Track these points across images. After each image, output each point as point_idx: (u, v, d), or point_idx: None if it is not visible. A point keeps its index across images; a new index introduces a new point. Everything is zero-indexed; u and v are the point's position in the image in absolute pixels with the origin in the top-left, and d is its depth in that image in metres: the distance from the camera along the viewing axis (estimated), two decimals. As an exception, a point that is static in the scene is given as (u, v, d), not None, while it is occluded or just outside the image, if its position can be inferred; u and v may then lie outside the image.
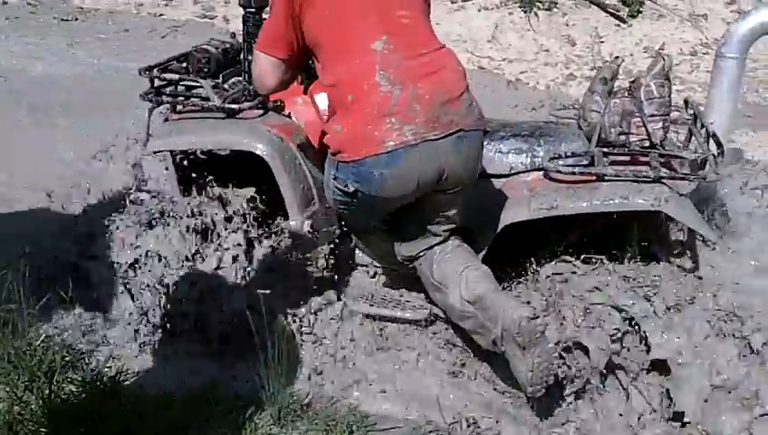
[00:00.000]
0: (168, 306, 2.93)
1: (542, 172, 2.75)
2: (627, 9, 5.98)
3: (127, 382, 2.75)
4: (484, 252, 2.79)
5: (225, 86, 2.99)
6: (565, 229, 2.78)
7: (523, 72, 5.40)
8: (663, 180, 2.58)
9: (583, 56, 5.64)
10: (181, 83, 3.02)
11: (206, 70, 3.00)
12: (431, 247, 2.74)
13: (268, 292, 2.69)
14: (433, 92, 2.44)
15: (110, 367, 2.78)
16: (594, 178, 2.63)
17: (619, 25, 5.89)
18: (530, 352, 2.42)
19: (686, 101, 3.07)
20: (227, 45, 3.09)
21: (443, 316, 2.84)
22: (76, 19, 6.18)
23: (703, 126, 2.77)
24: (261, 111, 2.89)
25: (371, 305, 2.95)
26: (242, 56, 3.01)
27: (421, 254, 2.76)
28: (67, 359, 2.72)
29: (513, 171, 2.84)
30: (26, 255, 3.00)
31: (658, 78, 2.70)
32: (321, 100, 2.74)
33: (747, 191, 3.03)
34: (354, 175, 2.51)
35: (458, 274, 2.63)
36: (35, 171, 3.87)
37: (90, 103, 4.86)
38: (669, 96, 2.72)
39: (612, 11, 5.96)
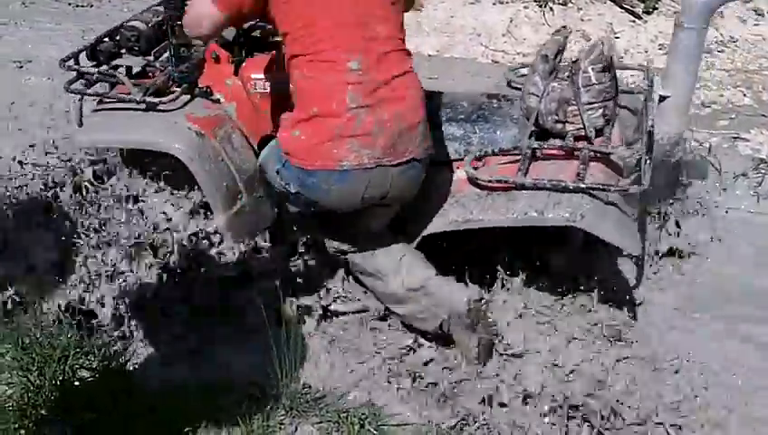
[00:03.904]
0: (180, 295, 2.96)
1: (473, 162, 2.69)
2: (642, 5, 5.93)
3: (139, 370, 2.77)
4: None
5: (157, 64, 2.91)
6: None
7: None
8: (585, 190, 2.49)
9: (598, 52, 5.65)
10: (102, 73, 2.91)
11: (135, 48, 2.92)
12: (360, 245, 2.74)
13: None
14: (395, 120, 2.45)
15: (124, 354, 2.79)
16: (514, 186, 2.57)
17: (634, 21, 5.85)
18: (477, 330, 2.58)
19: (646, 69, 3.00)
20: (159, 19, 2.97)
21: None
22: (91, 6, 6.16)
23: (660, 99, 2.67)
24: (187, 99, 2.81)
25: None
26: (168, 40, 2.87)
27: (352, 249, 2.76)
28: (80, 344, 2.73)
29: (447, 159, 2.78)
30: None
31: (597, 63, 2.59)
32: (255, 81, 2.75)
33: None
34: (300, 180, 2.52)
35: (396, 261, 2.68)
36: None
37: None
38: (611, 81, 2.61)
39: (628, 7, 5.92)
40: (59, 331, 2.75)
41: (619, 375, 2.52)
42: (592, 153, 2.59)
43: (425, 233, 2.71)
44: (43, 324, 2.79)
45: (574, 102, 2.60)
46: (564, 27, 2.93)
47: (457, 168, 2.76)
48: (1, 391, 2.60)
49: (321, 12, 2.42)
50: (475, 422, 2.56)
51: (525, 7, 5.94)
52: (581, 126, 2.62)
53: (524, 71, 2.99)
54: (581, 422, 2.52)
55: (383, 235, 2.74)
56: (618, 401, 2.49)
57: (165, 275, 2.90)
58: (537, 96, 2.66)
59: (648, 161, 2.52)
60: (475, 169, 2.67)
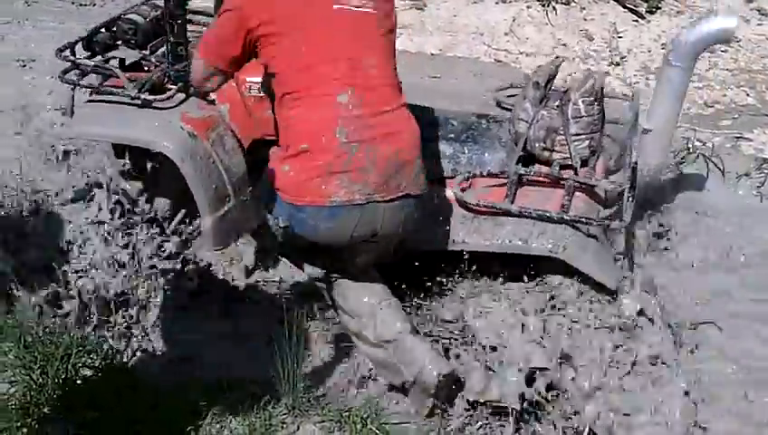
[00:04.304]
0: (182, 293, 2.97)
1: (461, 182, 2.73)
2: (645, 5, 5.92)
3: (142, 368, 2.77)
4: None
5: (153, 58, 2.90)
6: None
7: (540, 66, 5.37)
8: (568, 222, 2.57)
9: (601, 51, 5.62)
10: (98, 65, 2.88)
11: (132, 41, 2.91)
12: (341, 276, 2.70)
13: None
14: (388, 156, 2.42)
15: (126, 352, 2.80)
16: (500, 212, 2.63)
17: (637, 21, 5.84)
18: (436, 399, 2.54)
19: (631, 99, 3.07)
20: (157, 13, 2.94)
21: None
22: (94, 5, 6.15)
23: (643, 131, 2.72)
24: (182, 97, 2.79)
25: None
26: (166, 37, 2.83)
27: (331, 278, 2.72)
28: (83, 344, 2.73)
29: (436, 176, 2.80)
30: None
31: (587, 96, 2.65)
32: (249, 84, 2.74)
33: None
34: (289, 216, 2.50)
35: (374, 306, 2.63)
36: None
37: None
38: (599, 114, 2.68)
39: (631, 6, 5.91)
40: (61, 329, 2.75)
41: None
42: (577, 184, 2.64)
43: (409, 249, 2.70)
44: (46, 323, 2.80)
45: (562, 132, 2.67)
46: (557, 57, 3.04)
47: (445, 186, 2.79)
48: (3, 390, 2.60)
49: (310, 49, 2.40)
50: (478, 422, 2.56)
51: (528, 7, 5.93)
52: (568, 155, 2.68)
53: (513, 91, 3.05)
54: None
55: (367, 273, 2.69)
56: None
57: (168, 274, 2.91)
58: (526, 122, 2.72)
59: (630, 198, 2.61)
60: (463, 190, 2.71)
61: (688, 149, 4.05)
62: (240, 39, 2.45)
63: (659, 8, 5.93)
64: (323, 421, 2.58)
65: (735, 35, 3.21)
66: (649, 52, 5.48)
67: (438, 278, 2.74)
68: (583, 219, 2.58)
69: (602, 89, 2.70)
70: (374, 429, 2.53)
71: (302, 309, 2.81)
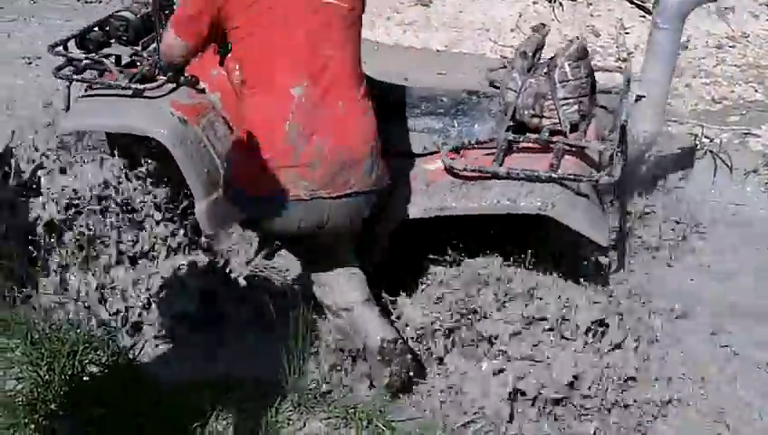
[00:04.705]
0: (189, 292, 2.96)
1: (450, 153, 2.72)
2: (652, 0, 5.92)
3: (148, 366, 2.77)
4: (382, 246, 2.80)
5: (144, 54, 2.95)
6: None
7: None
8: (556, 180, 2.54)
9: (607, 47, 5.60)
10: (90, 60, 2.97)
11: (124, 38, 2.96)
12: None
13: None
14: (336, 151, 2.42)
15: (132, 350, 2.80)
16: (489, 175, 2.61)
17: (644, 16, 5.82)
18: (388, 367, 2.57)
19: (624, 69, 3.05)
20: (148, 9, 3.01)
21: None
22: (99, 2, 6.17)
23: (636, 98, 2.73)
24: (172, 87, 2.84)
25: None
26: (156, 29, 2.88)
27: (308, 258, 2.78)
28: (90, 341, 2.74)
29: (425, 150, 2.81)
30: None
31: (573, 59, 2.63)
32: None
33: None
34: (241, 204, 2.56)
35: (339, 275, 2.67)
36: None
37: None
38: (587, 78, 2.66)
39: (638, 2, 5.90)
40: (69, 326, 2.76)
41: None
42: (566, 146, 2.63)
43: (400, 219, 2.72)
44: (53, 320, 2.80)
45: (550, 97, 2.65)
46: (543, 25, 2.98)
47: (436, 160, 2.78)
48: (11, 386, 2.61)
49: (268, 39, 2.40)
50: (482, 419, 2.56)
51: (534, 2, 5.92)
52: (557, 120, 2.66)
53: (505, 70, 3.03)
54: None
55: (338, 250, 2.70)
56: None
57: (174, 272, 2.91)
58: (515, 91, 2.70)
59: (619, 154, 2.57)
60: (453, 160, 2.69)
61: (696, 145, 4.03)
62: (206, 16, 2.45)
63: (696, 7, 5.90)
64: (329, 418, 2.57)
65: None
66: (656, 48, 5.45)
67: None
68: (572, 176, 2.55)
69: (586, 51, 2.69)
70: (380, 425, 2.53)
71: (308, 305, 2.81)
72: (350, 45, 2.49)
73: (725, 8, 5.86)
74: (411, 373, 2.61)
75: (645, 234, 3.41)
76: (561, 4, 5.86)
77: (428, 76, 4.77)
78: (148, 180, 3.00)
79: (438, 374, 2.66)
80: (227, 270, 3.07)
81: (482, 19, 5.80)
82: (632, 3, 5.91)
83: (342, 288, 2.66)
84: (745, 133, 4.36)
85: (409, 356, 2.61)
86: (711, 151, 3.98)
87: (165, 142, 2.73)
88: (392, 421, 2.56)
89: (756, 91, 4.86)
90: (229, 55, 2.77)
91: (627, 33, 5.65)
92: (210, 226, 2.81)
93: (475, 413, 2.58)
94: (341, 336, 2.70)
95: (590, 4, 5.92)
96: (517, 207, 2.55)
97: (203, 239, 3.05)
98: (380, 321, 2.65)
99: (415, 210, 2.69)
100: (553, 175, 2.53)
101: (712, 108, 4.66)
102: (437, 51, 5.43)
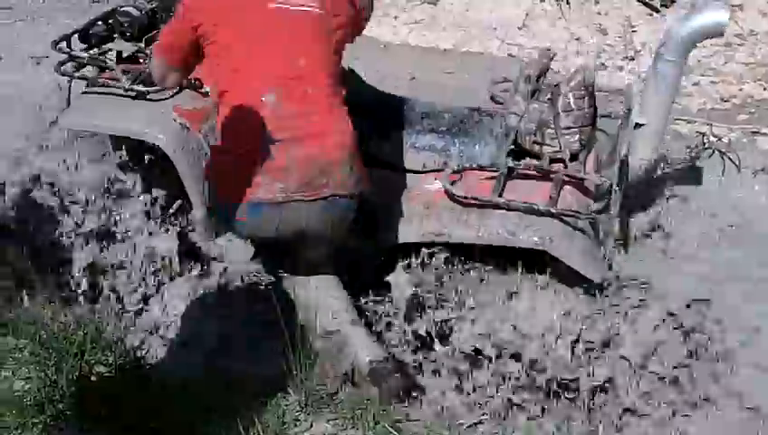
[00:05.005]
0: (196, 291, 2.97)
1: (450, 174, 2.73)
2: (660, -2, 5.90)
3: (155, 365, 2.78)
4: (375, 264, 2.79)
5: (147, 51, 2.95)
6: None
7: (554, 61, 5.34)
8: (555, 215, 2.56)
9: (615, 46, 5.58)
10: (93, 57, 2.97)
11: (128, 33, 2.97)
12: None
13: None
14: (312, 156, 2.43)
15: (140, 349, 2.80)
16: (488, 204, 2.62)
17: (651, 15, 5.80)
18: (379, 387, 2.57)
19: (625, 94, 3.06)
20: (153, 5, 3.03)
21: None
22: (108, 1, 6.20)
23: (635, 126, 2.77)
24: (175, 90, 2.84)
25: None
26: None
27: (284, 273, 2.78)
28: (97, 341, 2.74)
29: (425, 168, 2.82)
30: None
31: (577, 90, 2.65)
32: None
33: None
34: (218, 209, 2.61)
35: (322, 298, 2.66)
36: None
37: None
38: (590, 108, 2.67)
39: (645, 0, 5.88)
40: (76, 326, 2.76)
41: None
42: (566, 177, 2.64)
43: (397, 242, 2.71)
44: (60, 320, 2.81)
45: (552, 126, 2.65)
46: (548, 49, 3.02)
47: (435, 178, 2.79)
48: (18, 386, 2.62)
49: (242, 47, 2.44)
50: (492, 419, 2.56)
51: (542, 0, 5.90)
52: (558, 149, 2.68)
53: (507, 85, 3.06)
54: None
55: (321, 266, 2.70)
56: None
57: (180, 271, 2.92)
58: (517, 115, 2.71)
59: (617, 191, 2.60)
60: (452, 182, 2.70)
61: (704, 144, 4.02)
62: (186, 38, 2.50)
63: (674, 1, 5.88)
64: (336, 419, 2.57)
65: (726, 29, 3.15)
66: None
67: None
68: (570, 212, 2.58)
69: (593, 83, 2.70)
70: (387, 426, 2.53)
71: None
72: (325, 53, 2.51)
73: (733, 6, 5.84)
74: (402, 393, 2.60)
75: (654, 234, 3.40)
76: (568, 2, 5.85)
77: (435, 75, 4.75)
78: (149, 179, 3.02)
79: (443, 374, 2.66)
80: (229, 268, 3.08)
81: (489, 18, 5.79)
82: (639, 1, 5.90)
83: (327, 310, 2.64)
84: (754, 132, 4.34)
85: (399, 375, 2.60)
86: (719, 150, 3.96)
87: (165, 149, 2.74)
88: (399, 422, 2.56)
89: (765, 89, 4.83)
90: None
91: (634, 31, 5.63)
92: (209, 232, 2.83)
93: (482, 414, 2.57)
94: (329, 360, 2.66)
95: (598, 2, 5.91)
96: (516, 241, 2.58)
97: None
98: (368, 341, 2.63)
99: (412, 234, 2.69)
100: (552, 210, 2.56)
101: (720, 107, 4.64)
102: (444, 50, 5.41)
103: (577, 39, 5.60)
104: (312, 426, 2.57)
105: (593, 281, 2.59)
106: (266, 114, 2.41)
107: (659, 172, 3.56)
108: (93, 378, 2.65)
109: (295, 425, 2.56)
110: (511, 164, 2.68)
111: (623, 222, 3.18)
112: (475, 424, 2.57)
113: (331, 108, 2.49)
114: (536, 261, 2.64)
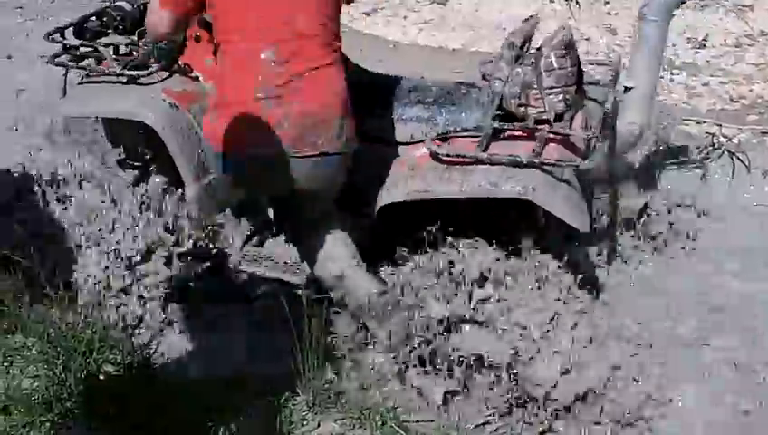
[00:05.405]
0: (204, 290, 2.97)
1: (435, 138, 2.72)
2: (670, -2, 5.89)
3: (162, 364, 2.78)
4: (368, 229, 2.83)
5: (140, 43, 3.01)
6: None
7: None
8: (537, 165, 2.55)
9: (625, 46, 5.57)
10: (86, 47, 3.05)
11: (121, 27, 3.03)
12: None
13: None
14: (305, 112, 2.47)
15: (147, 348, 2.81)
16: (472, 160, 2.62)
17: (661, 14, 5.81)
18: (385, 323, 2.61)
19: (613, 62, 3.04)
20: (145, 1, 3.03)
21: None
22: (114, 1, 6.23)
23: (624, 90, 2.77)
24: (165, 75, 2.90)
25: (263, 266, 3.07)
26: None
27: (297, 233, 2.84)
28: (105, 339, 2.75)
29: (413, 139, 2.81)
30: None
31: (559, 49, 2.62)
32: None
33: None
34: (215, 163, 2.64)
35: (323, 245, 2.73)
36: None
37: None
38: (573, 67, 2.65)
39: None
40: (84, 325, 2.77)
41: None
42: (551, 134, 2.63)
43: (383, 203, 2.73)
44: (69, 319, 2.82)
45: (536, 87, 2.64)
46: (532, 16, 2.99)
47: (422, 147, 2.79)
48: (27, 385, 2.63)
49: (242, 2, 2.47)
50: (498, 421, 2.55)
51: (551, 1, 5.90)
52: (543, 109, 2.65)
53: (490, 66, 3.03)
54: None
55: (325, 219, 2.75)
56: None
57: (187, 270, 2.92)
58: (502, 81, 2.69)
59: (599, 139, 2.61)
60: (438, 146, 2.70)
61: (713, 144, 4.00)
62: None
63: (684, 2, 5.86)
64: (343, 419, 2.57)
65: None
66: (674, 46, 5.41)
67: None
68: (553, 160, 2.56)
69: (573, 40, 2.68)
70: (394, 426, 2.52)
71: (322, 304, 2.81)
72: (323, 10, 2.54)
73: (744, 6, 5.83)
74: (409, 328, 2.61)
75: (658, 232, 3.39)
76: (578, 2, 5.84)
77: (444, 75, 4.75)
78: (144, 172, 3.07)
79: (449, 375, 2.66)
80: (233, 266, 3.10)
81: (498, 18, 5.79)
82: (649, 1, 5.88)
83: (331, 255, 2.72)
84: (764, 132, 4.33)
85: (403, 313, 2.62)
86: (729, 151, 3.95)
87: (154, 126, 2.80)
88: (406, 422, 2.56)
89: (775, 90, 4.82)
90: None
91: (644, 30, 5.60)
92: (203, 209, 2.89)
93: (489, 414, 2.57)
94: (343, 305, 2.73)
95: (607, 2, 5.90)
96: (498, 191, 2.57)
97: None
98: (368, 277, 2.71)
99: (398, 193, 2.70)
100: (535, 160, 2.55)
101: (730, 107, 4.62)
102: (453, 50, 5.41)
103: (587, 39, 5.59)
104: (319, 425, 2.57)
105: (579, 230, 2.58)
106: (263, 71, 2.46)
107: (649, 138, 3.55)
108: (101, 377, 2.66)
109: (303, 425, 2.56)
110: (495, 124, 2.67)
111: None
112: (483, 424, 2.56)
113: (328, 66, 2.54)
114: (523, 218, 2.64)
